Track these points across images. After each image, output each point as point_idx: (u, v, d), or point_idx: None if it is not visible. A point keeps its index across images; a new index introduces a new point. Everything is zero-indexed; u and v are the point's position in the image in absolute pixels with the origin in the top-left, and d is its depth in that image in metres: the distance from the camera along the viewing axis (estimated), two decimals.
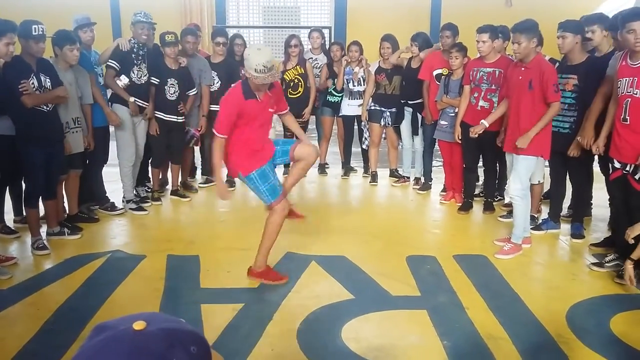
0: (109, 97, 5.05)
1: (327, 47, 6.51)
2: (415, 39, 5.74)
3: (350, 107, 6.22)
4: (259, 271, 3.60)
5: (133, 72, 4.90)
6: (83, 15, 4.90)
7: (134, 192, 5.32)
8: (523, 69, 4.02)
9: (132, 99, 4.87)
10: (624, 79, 3.55)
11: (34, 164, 4.00)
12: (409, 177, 6.25)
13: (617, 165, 3.70)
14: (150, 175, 5.64)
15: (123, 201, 5.18)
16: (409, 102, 5.84)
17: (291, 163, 3.76)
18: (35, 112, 3.92)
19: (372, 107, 6.03)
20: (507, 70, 4.34)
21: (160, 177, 5.60)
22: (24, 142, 3.93)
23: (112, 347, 0.72)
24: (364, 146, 6.32)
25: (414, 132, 5.94)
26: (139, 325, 0.74)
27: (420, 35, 5.80)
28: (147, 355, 0.71)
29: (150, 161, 5.53)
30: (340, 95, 6.23)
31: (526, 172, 4.13)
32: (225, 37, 5.85)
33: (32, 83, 3.90)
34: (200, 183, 6.13)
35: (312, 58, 6.40)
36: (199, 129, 5.59)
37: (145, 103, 5.04)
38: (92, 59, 4.89)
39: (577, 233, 4.49)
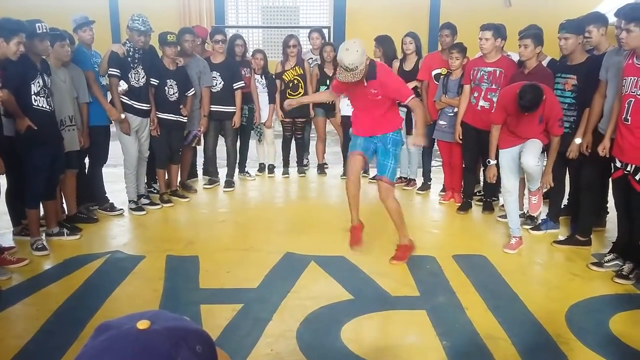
0: (109, 99, 5.02)
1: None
2: (412, 36, 5.74)
3: (349, 108, 6.20)
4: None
5: (130, 76, 4.87)
6: (81, 15, 4.89)
7: (145, 190, 5.35)
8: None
9: (123, 116, 4.85)
10: (629, 78, 3.53)
11: (38, 165, 3.99)
12: (406, 178, 6.24)
13: (618, 164, 3.70)
14: (157, 177, 5.60)
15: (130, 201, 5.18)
16: None
17: None
18: (39, 113, 3.92)
19: None
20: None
21: (166, 177, 5.58)
22: (28, 143, 3.90)
23: (116, 347, 0.71)
24: None
25: (408, 132, 5.93)
26: (143, 325, 0.73)
27: (416, 36, 5.79)
28: (152, 354, 0.70)
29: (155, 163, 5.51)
30: None
31: None
32: (224, 35, 5.84)
33: (38, 82, 3.91)
34: (204, 184, 6.12)
35: (311, 58, 6.39)
36: (200, 130, 5.60)
37: (146, 105, 5.02)
38: (93, 59, 4.90)
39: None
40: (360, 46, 3.55)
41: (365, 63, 3.60)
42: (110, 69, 4.80)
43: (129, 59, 4.86)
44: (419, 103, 4.00)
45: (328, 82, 6.15)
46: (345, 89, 3.92)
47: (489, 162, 4.36)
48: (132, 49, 4.88)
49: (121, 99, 4.85)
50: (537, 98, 3.83)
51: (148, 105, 5.04)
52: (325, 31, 10.36)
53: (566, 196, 4.89)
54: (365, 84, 3.72)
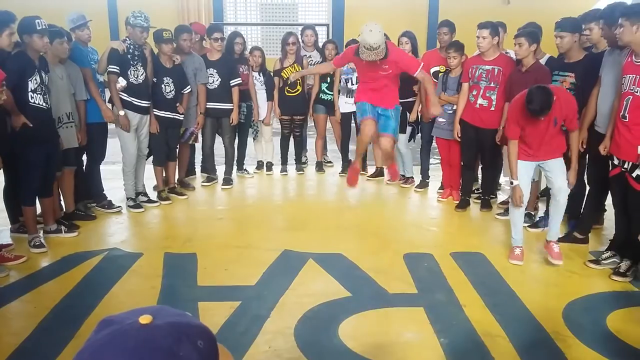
0: (107, 97, 5.01)
1: (321, 45, 6.46)
2: (409, 35, 5.72)
3: (347, 105, 6.20)
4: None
5: (130, 73, 4.84)
6: (77, 14, 4.79)
7: (143, 187, 5.34)
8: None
9: (122, 113, 4.84)
10: (628, 75, 3.53)
11: (34, 163, 3.97)
12: (403, 176, 6.23)
13: (615, 162, 3.70)
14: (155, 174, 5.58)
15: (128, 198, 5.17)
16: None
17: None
18: (35, 110, 3.91)
19: None
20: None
21: (163, 175, 5.57)
22: (23, 141, 3.87)
23: (119, 341, 0.72)
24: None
25: (402, 130, 5.91)
26: (145, 319, 0.74)
27: (413, 36, 5.77)
28: (153, 349, 0.71)
29: (152, 160, 5.50)
30: (333, 93, 6.20)
31: None
32: (222, 33, 5.83)
33: (36, 79, 3.90)
34: (202, 182, 6.11)
35: (306, 55, 6.38)
36: (196, 126, 5.58)
37: (145, 102, 5.01)
38: (90, 56, 4.87)
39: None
40: (381, 28, 4.06)
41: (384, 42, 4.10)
42: (109, 66, 4.78)
43: (129, 56, 4.84)
44: (427, 75, 4.50)
45: (329, 79, 6.15)
46: (348, 63, 4.59)
47: (512, 183, 3.99)
48: (132, 46, 4.87)
49: (120, 95, 4.84)
50: (548, 99, 3.55)
51: (148, 102, 5.03)
52: (324, 29, 10.41)
53: None
54: (378, 62, 4.20)
